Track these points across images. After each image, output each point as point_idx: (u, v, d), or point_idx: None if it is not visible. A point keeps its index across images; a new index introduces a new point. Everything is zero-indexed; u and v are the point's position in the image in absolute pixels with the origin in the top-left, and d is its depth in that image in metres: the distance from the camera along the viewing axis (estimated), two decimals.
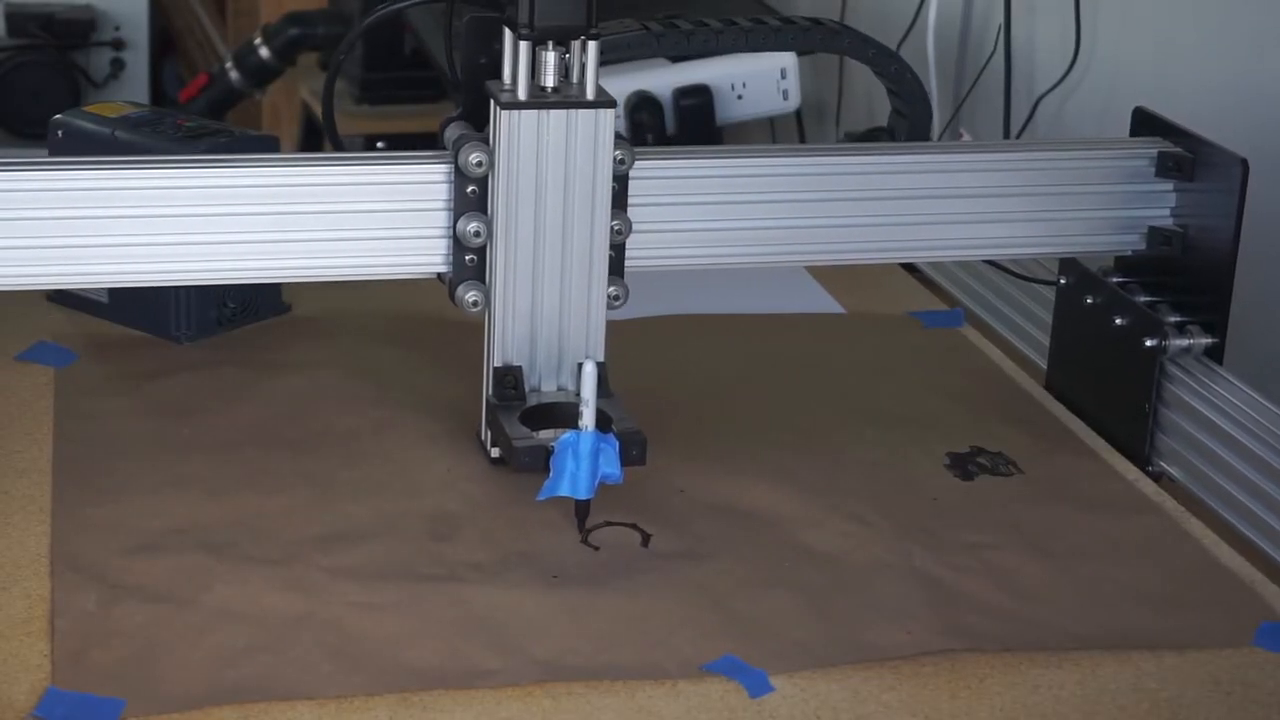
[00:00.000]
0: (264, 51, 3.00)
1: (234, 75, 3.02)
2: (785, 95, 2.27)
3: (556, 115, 1.34)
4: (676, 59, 2.19)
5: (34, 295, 1.63)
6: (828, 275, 1.79)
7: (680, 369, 1.58)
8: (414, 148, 1.41)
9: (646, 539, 1.31)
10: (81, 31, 3.51)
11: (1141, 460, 1.47)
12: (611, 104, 1.35)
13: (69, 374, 1.52)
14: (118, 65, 3.57)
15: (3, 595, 1.21)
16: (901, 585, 1.27)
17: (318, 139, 3.10)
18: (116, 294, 1.59)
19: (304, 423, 1.46)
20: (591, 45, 1.33)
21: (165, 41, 3.98)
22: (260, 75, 3.03)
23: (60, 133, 1.58)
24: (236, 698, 1.11)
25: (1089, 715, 1.15)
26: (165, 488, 1.35)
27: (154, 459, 1.39)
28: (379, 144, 2.81)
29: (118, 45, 3.57)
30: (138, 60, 3.59)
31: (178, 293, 1.56)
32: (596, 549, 1.30)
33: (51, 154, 1.58)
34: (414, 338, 1.61)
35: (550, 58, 1.34)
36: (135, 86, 3.56)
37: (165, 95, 3.76)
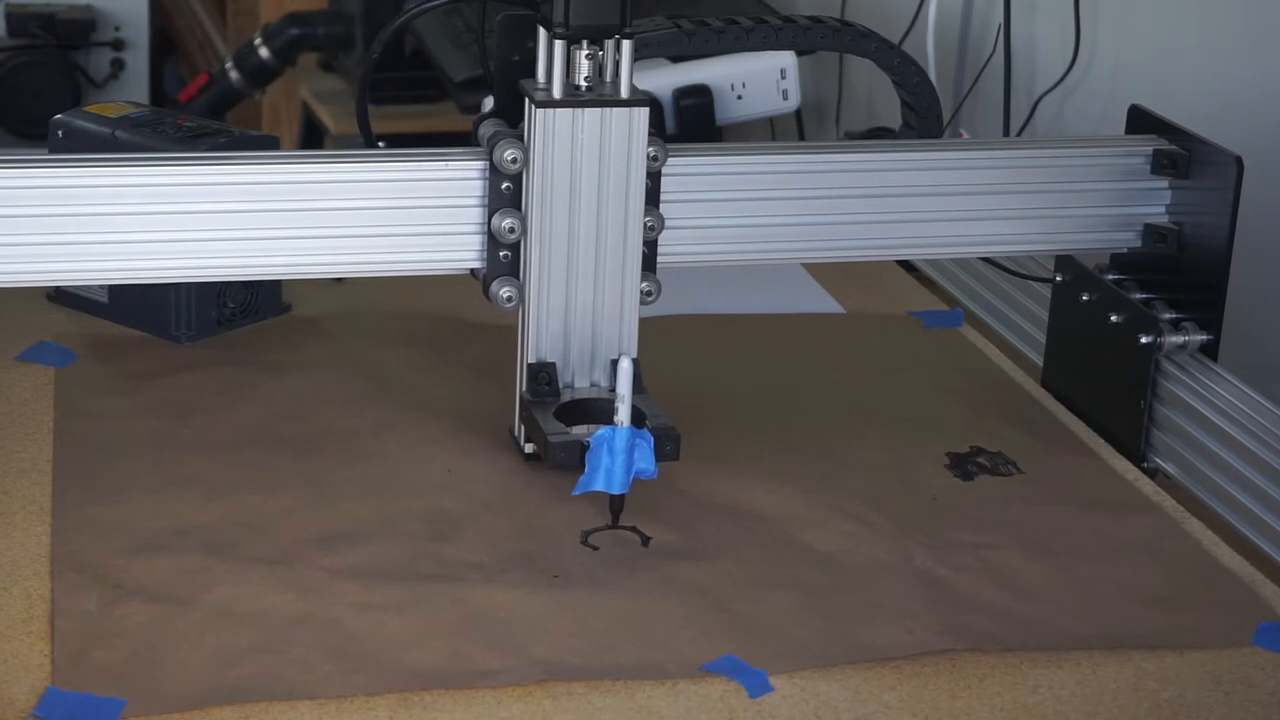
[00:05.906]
0: (264, 52, 2.99)
1: (234, 75, 3.02)
2: (785, 95, 2.26)
3: (591, 114, 1.35)
4: (676, 59, 2.19)
5: (34, 295, 1.63)
6: (827, 275, 1.79)
7: (680, 369, 1.58)
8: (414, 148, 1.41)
9: (646, 540, 1.31)
10: (82, 31, 3.50)
11: (1137, 457, 1.48)
12: (645, 102, 1.36)
13: (69, 374, 1.52)
14: (118, 65, 3.56)
15: (3, 595, 1.21)
16: (902, 585, 1.27)
17: (318, 139, 3.10)
18: (116, 294, 1.59)
19: (304, 423, 1.46)
20: (625, 44, 1.35)
21: (165, 41, 3.98)
22: (260, 75, 3.03)
23: (60, 133, 1.59)
24: (237, 698, 1.11)
25: (1089, 715, 1.15)
26: (165, 488, 1.35)
27: (154, 459, 1.39)
28: (379, 144, 2.80)
29: (118, 45, 3.56)
30: (138, 60, 3.58)
31: (177, 293, 1.56)
32: (596, 549, 1.30)
33: (52, 154, 1.57)
34: (414, 337, 1.60)
35: (584, 56, 1.35)
36: (135, 86, 3.56)
37: (165, 95, 3.75)
